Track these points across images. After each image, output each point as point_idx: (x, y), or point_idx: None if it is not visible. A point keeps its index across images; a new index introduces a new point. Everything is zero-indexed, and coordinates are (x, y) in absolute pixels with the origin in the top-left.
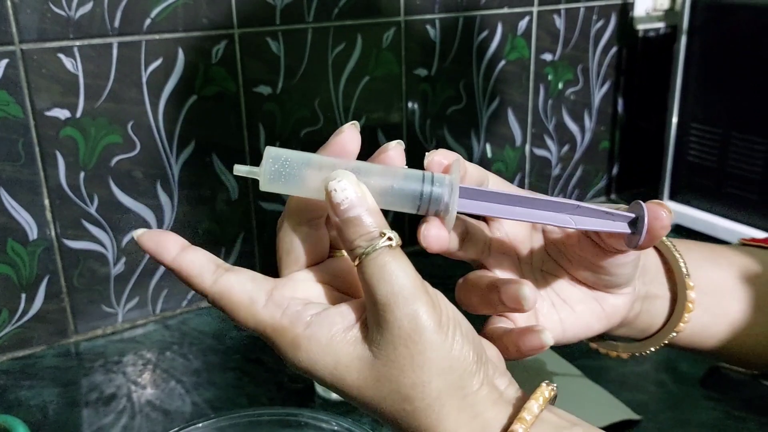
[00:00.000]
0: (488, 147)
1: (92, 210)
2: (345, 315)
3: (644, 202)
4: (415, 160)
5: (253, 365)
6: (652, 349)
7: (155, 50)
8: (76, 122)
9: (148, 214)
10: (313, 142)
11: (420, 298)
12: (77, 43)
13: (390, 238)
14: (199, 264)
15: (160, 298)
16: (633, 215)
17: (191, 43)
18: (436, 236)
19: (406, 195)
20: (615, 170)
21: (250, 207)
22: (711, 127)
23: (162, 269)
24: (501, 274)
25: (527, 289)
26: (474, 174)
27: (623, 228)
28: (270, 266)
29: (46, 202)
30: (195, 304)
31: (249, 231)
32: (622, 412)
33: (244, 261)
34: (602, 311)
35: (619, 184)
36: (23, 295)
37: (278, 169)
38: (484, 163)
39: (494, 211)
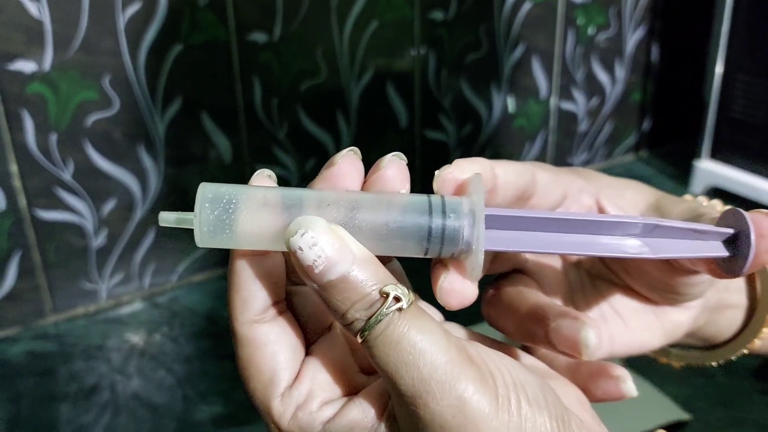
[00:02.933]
0: (510, 100)
1: (67, 176)
2: (366, 411)
3: (744, 211)
4: (428, 119)
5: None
6: (714, 364)
7: None
8: (45, 77)
9: (130, 180)
10: (315, 98)
11: (462, 374)
12: None
13: (397, 298)
14: (257, 285)
15: (147, 272)
16: (730, 231)
17: None
18: (461, 292)
19: (408, 234)
20: (646, 125)
21: (245, 170)
22: (760, 78)
23: (149, 240)
24: (543, 281)
25: (591, 333)
26: (511, 182)
27: (717, 250)
28: None
29: (14, 168)
30: (186, 278)
31: None
32: (671, 412)
33: None
34: (660, 327)
35: (651, 140)
36: None
37: (220, 216)
38: (506, 118)
39: (535, 244)
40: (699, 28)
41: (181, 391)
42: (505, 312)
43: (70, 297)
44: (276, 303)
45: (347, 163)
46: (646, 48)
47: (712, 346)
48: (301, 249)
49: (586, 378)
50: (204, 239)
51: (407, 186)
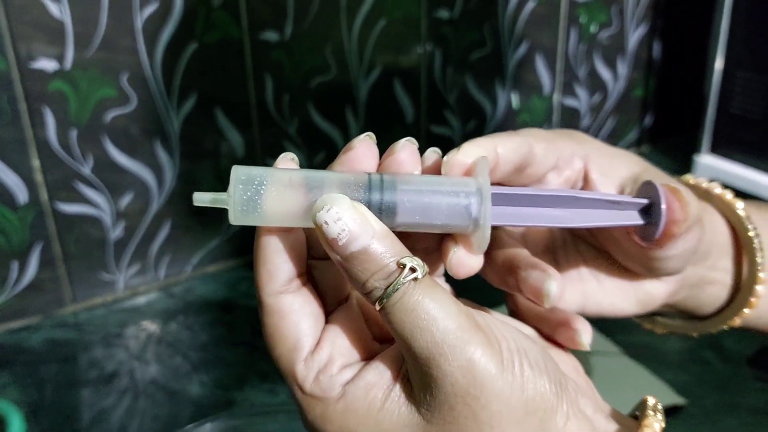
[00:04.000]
0: (514, 97)
1: (86, 170)
2: (382, 373)
3: (659, 182)
4: (434, 115)
5: (263, 339)
6: (695, 335)
7: None
8: (66, 74)
9: (146, 174)
10: (325, 94)
11: (472, 338)
12: None
13: (413, 269)
14: (282, 258)
15: (162, 263)
16: (645, 201)
17: None
18: (468, 263)
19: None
20: (648, 120)
21: (256, 164)
22: (759, 75)
23: (165, 233)
24: (528, 233)
25: (553, 284)
26: (509, 158)
27: (633, 219)
28: None
29: (36, 162)
30: (200, 269)
31: None
32: (667, 396)
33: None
34: (634, 296)
35: (652, 135)
36: (15, 263)
37: (252, 196)
38: (510, 114)
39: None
40: (699, 25)
41: (197, 377)
42: (485, 259)
43: (89, 287)
44: (299, 275)
45: (364, 147)
46: (647, 45)
47: (693, 317)
48: (326, 223)
49: (554, 325)
50: (237, 217)
51: (419, 168)
